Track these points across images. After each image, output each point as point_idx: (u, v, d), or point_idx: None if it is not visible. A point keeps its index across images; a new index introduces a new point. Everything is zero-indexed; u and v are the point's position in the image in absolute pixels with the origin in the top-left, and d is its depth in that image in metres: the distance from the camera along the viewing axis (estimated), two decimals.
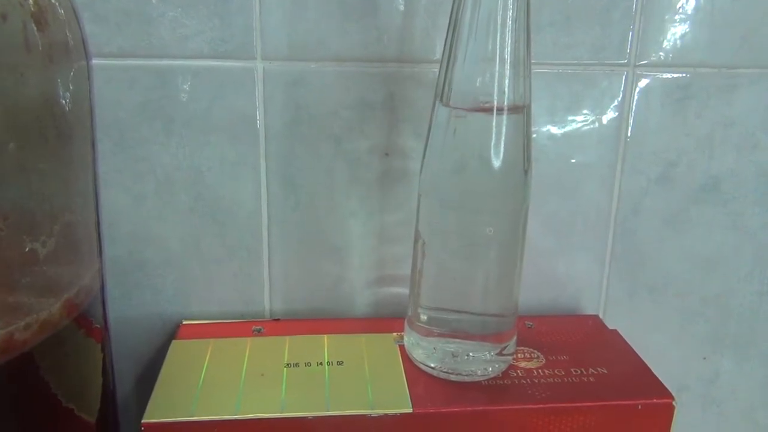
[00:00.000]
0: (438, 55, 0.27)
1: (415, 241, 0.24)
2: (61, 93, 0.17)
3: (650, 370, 0.26)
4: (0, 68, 0.15)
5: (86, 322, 0.19)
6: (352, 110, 0.28)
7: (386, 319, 0.29)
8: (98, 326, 0.20)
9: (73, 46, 0.18)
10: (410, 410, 0.23)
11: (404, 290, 0.30)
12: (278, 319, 0.30)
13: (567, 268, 0.31)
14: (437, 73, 0.23)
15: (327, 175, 0.28)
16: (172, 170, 0.28)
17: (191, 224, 0.28)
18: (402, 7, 0.27)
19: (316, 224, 0.29)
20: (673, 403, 0.24)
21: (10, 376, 0.17)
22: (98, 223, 0.21)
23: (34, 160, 0.16)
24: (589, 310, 0.31)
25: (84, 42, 0.19)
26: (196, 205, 0.28)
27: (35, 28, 0.16)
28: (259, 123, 0.27)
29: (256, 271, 0.29)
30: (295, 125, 0.28)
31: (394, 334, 0.28)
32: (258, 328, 0.28)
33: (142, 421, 0.22)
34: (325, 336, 0.27)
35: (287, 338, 0.27)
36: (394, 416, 0.23)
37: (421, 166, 0.24)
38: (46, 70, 0.16)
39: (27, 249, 0.16)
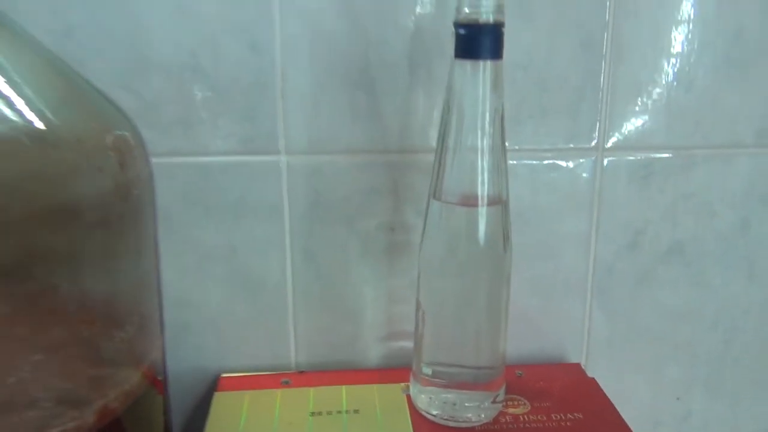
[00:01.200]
0: (432, 145, 0.32)
1: (417, 309, 0.29)
2: (138, 209, 0.22)
3: (619, 415, 0.30)
4: (93, 204, 0.20)
5: (156, 381, 0.24)
6: (362, 194, 0.32)
7: (395, 370, 0.34)
8: (160, 379, 0.25)
9: (142, 167, 0.23)
10: None
11: (410, 344, 0.34)
12: (303, 371, 0.34)
13: (551, 322, 0.35)
14: (431, 167, 0.28)
15: (342, 248, 0.33)
16: (210, 247, 0.33)
17: (227, 292, 0.33)
18: (402, 108, 0.32)
19: (334, 290, 0.34)
20: None
21: None
22: (161, 302, 0.25)
23: (118, 263, 0.21)
24: (573, 358, 0.36)
25: (148, 157, 0.23)
26: (231, 276, 0.33)
27: (120, 169, 0.21)
28: (284, 207, 0.32)
29: (283, 330, 0.34)
30: (314, 208, 0.33)
31: (402, 384, 0.32)
32: (286, 380, 0.33)
33: None
34: (343, 387, 0.32)
35: (311, 389, 0.32)
36: None
37: (420, 247, 0.28)
38: (127, 195, 0.21)
39: (116, 337, 0.21)
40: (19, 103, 0.19)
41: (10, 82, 0.19)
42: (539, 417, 0.30)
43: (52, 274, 0.19)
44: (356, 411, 0.30)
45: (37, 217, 0.18)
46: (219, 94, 0.31)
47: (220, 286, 0.33)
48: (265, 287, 0.33)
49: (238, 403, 0.31)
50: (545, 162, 0.33)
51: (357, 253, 0.33)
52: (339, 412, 0.30)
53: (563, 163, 0.33)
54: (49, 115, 0.19)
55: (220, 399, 0.31)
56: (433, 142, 0.32)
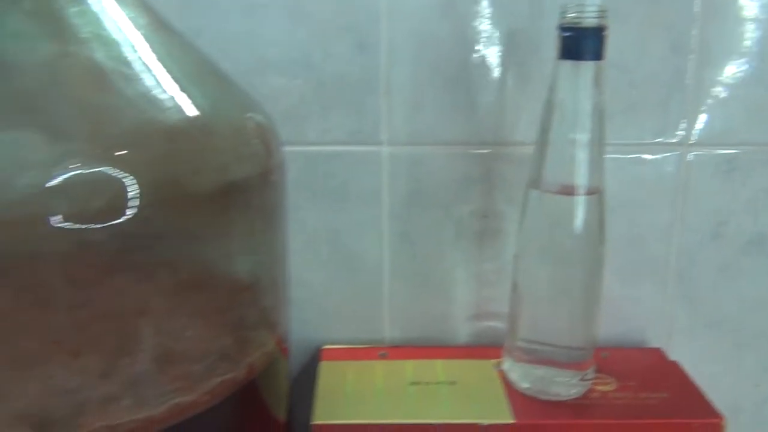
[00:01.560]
0: (522, 139, 0.34)
1: (513, 290, 0.31)
2: (277, 192, 0.25)
3: (704, 395, 0.32)
4: (244, 187, 0.23)
5: (283, 348, 0.27)
6: (457, 183, 0.35)
7: (484, 348, 0.36)
8: (286, 347, 0.28)
9: (279, 153, 0.25)
10: (513, 421, 0.30)
11: (497, 324, 0.37)
12: (397, 346, 0.37)
13: (634, 308, 0.37)
14: (526, 156, 0.30)
15: (437, 233, 0.36)
16: (315, 230, 0.36)
17: (329, 271, 0.36)
18: (495, 104, 0.34)
19: (427, 271, 0.36)
20: (723, 423, 0.30)
21: (246, 397, 0.24)
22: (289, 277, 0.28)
23: (261, 241, 0.24)
24: (654, 343, 0.37)
25: (281, 145, 0.26)
26: (334, 257, 0.36)
27: (265, 155, 0.24)
28: (384, 194, 0.35)
29: (379, 307, 0.37)
30: (412, 195, 0.35)
31: (493, 360, 0.34)
32: (383, 353, 0.36)
33: (313, 422, 0.30)
34: (438, 361, 0.35)
35: (407, 362, 0.35)
36: (500, 426, 0.30)
37: (518, 232, 0.31)
38: (270, 179, 0.24)
39: (258, 305, 0.24)
40: (184, 98, 0.22)
41: (175, 79, 0.22)
42: (626, 394, 0.31)
43: (209, 249, 0.22)
44: (453, 383, 0.33)
45: (199, 199, 0.21)
46: (328, 90, 0.34)
47: (323, 266, 0.36)
48: (363, 267, 0.36)
49: (341, 372, 0.34)
50: (632, 155, 0.35)
51: (451, 238, 0.36)
52: (437, 383, 0.33)
53: (649, 157, 0.35)
54: (208, 108, 0.22)
55: (325, 368, 0.34)
56: (524, 136, 0.34)
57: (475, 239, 0.36)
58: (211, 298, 0.22)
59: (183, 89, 0.22)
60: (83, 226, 0.18)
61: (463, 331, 0.37)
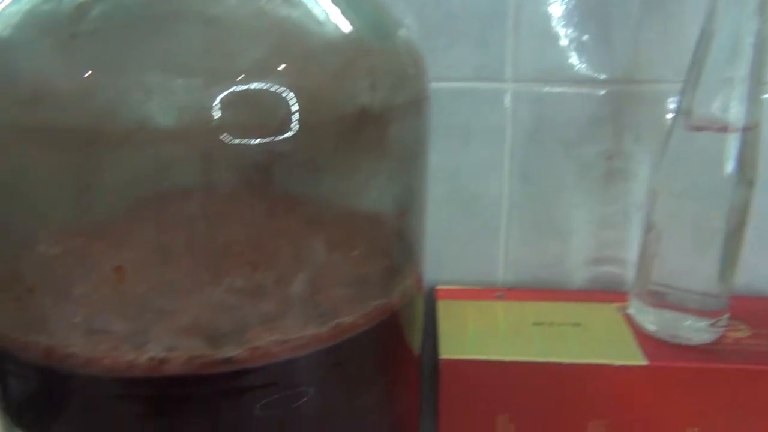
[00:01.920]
0: (658, 76, 0.33)
1: (648, 230, 0.30)
2: (426, 125, 0.24)
3: None
4: (401, 113, 0.22)
5: (420, 286, 0.27)
6: (583, 122, 0.34)
7: (602, 292, 0.36)
8: (422, 283, 0.28)
9: (427, 85, 0.25)
10: (645, 363, 0.29)
11: (615, 269, 0.36)
12: (513, 288, 0.37)
13: (764, 256, 0.35)
14: (660, 94, 0.29)
15: (558, 173, 0.35)
16: (436, 168, 0.35)
17: (447, 211, 0.36)
18: (630, 40, 0.32)
19: (546, 212, 0.36)
20: None
21: (384, 332, 0.24)
22: None
23: (414, 171, 0.24)
24: None
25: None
26: (453, 195, 0.36)
27: (420, 82, 0.23)
28: (507, 132, 0.34)
29: (495, 248, 0.36)
30: (535, 133, 0.34)
31: (615, 304, 0.34)
32: (500, 294, 0.35)
33: (440, 357, 0.30)
34: (557, 303, 0.34)
35: (526, 303, 0.34)
36: (632, 367, 0.29)
37: (659, 169, 0.29)
38: (422, 110, 0.24)
39: (404, 240, 0.24)
40: (333, 18, 0.21)
41: (338, 5, 0.21)
42: (760, 341, 0.30)
43: (365, 174, 0.21)
44: (577, 324, 0.32)
45: (358, 121, 0.20)
46: (455, 25, 0.33)
47: (441, 205, 0.36)
48: (481, 207, 0.36)
49: (461, 311, 0.34)
50: None
51: (573, 178, 0.35)
52: (560, 324, 0.32)
53: None
54: (360, 29, 0.22)
55: (444, 306, 0.34)
56: (660, 74, 0.33)
57: (598, 181, 0.35)
58: (368, 225, 0.22)
59: (342, 11, 0.21)
60: (249, 141, 0.18)
61: (578, 276, 0.37)
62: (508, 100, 0.34)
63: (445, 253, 0.37)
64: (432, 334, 0.32)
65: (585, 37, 0.32)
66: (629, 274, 0.36)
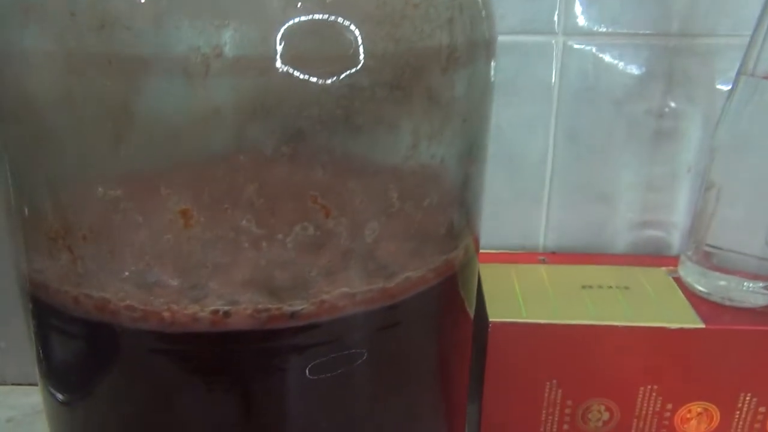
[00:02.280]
0: (713, 29, 0.31)
1: (708, 189, 0.29)
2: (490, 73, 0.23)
3: None
4: (473, 54, 0.21)
5: (477, 248, 0.25)
6: (634, 78, 0.32)
7: (648, 256, 0.34)
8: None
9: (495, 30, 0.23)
10: (702, 326, 0.28)
11: (661, 233, 0.35)
12: (554, 252, 0.35)
13: None
14: (715, 49, 0.28)
15: (606, 132, 0.34)
16: None
17: (488, 171, 0.35)
18: None
19: (592, 173, 0.34)
20: None
21: (444, 291, 0.23)
22: None
23: (480, 125, 0.22)
24: None
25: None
26: (494, 155, 0.34)
27: (489, 25, 0.22)
28: (555, 88, 0.33)
29: (537, 211, 0.35)
30: (583, 90, 0.33)
31: (664, 268, 0.33)
32: (542, 258, 0.34)
33: (490, 320, 0.29)
34: (605, 266, 0.33)
35: (573, 267, 0.33)
36: (690, 330, 0.28)
37: (719, 124, 0.28)
38: (491, 56, 0.22)
39: (465, 205, 0.22)
40: None
41: None
42: None
43: (437, 120, 0.20)
44: (626, 287, 0.31)
45: (415, 55, 0.19)
46: None
47: None
48: (524, 167, 0.34)
49: (505, 274, 0.33)
50: None
51: (621, 138, 0.33)
52: (609, 287, 0.31)
53: None
54: None
55: (487, 270, 0.33)
56: (715, 27, 0.31)
57: (647, 140, 0.34)
58: (437, 175, 0.21)
59: None
60: (327, 77, 0.16)
61: (622, 240, 0.36)
62: (557, 54, 0.32)
63: (484, 216, 0.36)
64: (477, 298, 0.31)
65: None
66: (675, 238, 0.35)
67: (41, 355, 0.22)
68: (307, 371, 0.19)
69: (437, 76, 0.19)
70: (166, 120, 0.16)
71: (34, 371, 0.43)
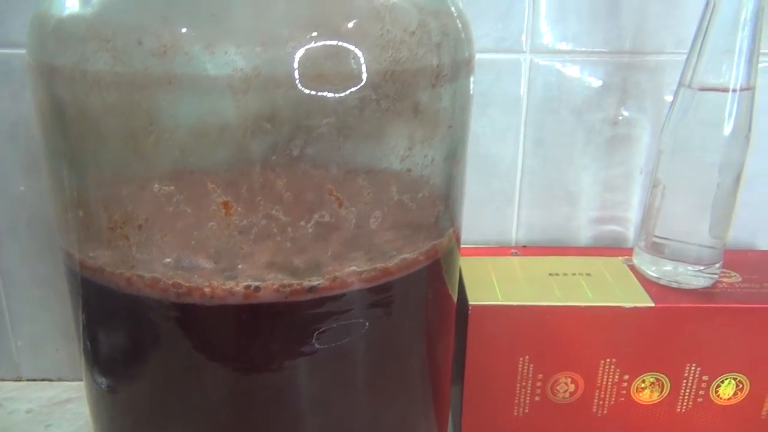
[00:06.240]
0: (661, 47, 0.36)
1: (654, 186, 0.34)
2: (469, 87, 0.27)
3: None
4: (449, 74, 0.25)
5: (458, 240, 0.29)
6: (592, 90, 0.37)
7: (607, 248, 0.39)
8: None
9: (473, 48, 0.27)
10: (652, 304, 0.33)
11: (618, 228, 0.40)
12: (525, 246, 0.40)
13: (749, 212, 0.39)
14: (663, 64, 0.32)
15: (569, 138, 0.38)
16: None
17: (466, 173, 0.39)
18: (639, 12, 0.35)
19: (557, 175, 0.39)
20: None
21: (431, 273, 0.27)
22: None
23: (461, 132, 0.26)
24: (764, 247, 0.40)
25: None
26: (471, 160, 0.38)
27: (466, 44, 0.26)
28: (522, 100, 0.37)
29: (509, 209, 0.39)
30: (548, 101, 0.37)
31: (620, 257, 0.37)
32: (515, 251, 0.38)
33: (470, 303, 0.33)
34: (568, 257, 0.37)
35: (541, 258, 0.37)
36: (642, 308, 0.32)
37: (665, 128, 0.33)
38: (470, 71, 0.26)
39: (448, 200, 0.26)
40: None
41: None
42: (752, 285, 0.34)
43: (429, 128, 0.24)
44: (588, 274, 0.35)
45: (418, 80, 0.23)
46: (478, 1, 0.35)
47: None
48: (497, 170, 0.39)
49: (482, 265, 0.37)
50: (764, 64, 0.36)
51: (581, 143, 0.38)
52: (573, 274, 0.35)
53: None
54: None
55: (466, 262, 0.37)
56: (663, 45, 0.36)
57: (604, 145, 0.38)
58: (428, 173, 0.25)
59: None
60: (342, 90, 0.20)
61: (585, 234, 0.40)
62: (525, 70, 0.37)
63: (466, 214, 0.39)
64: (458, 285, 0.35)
65: (595, 13, 0.36)
66: (630, 232, 0.40)
67: (88, 345, 0.25)
68: (319, 339, 0.23)
69: (429, 90, 0.23)
70: (211, 128, 0.20)
71: (49, 367, 0.46)
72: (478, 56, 0.37)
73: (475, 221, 0.40)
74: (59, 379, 0.42)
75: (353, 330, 0.24)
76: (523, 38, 0.36)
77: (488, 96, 0.37)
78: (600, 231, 0.40)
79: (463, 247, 0.39)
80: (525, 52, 0.36)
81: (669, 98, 0.37)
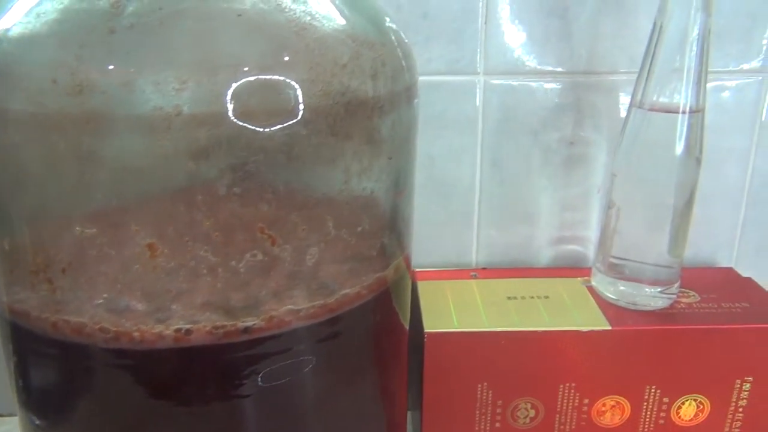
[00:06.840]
0: (614, 68, 0.36)
1: (609, 208, 0.33)
2: (415, 115, 0.26)
3: None
4: (388, 105, 0.24)
5: (409, 266, 0.29)
6: (547, 110, 0.37)
7: (566, 269, 0.39)
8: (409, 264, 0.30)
9: (416, 76, 0.27)
10: (609, 327, 0.32)
11: (578, 247, 0.39)
12: (485, 268, 0.39)
13: (707, 230, 0.39)
14: (616, 84, 0.32)
15: (525, 159, 0.38)
16: None
17: (423, 196, 0.38)
18: (590, 34, 0.35)
19: (515, 196, 0.38)
20: None
21: (379, 305, 0.26)
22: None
23: (405, 161, 0.26)
24: (723, 263, 0.40)
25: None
26: (428, 182, 0.38)
27: (408, 73, 0.25)
28: (478, 121, 0.37)
29: (468, 231, 0.39)
30: (504, 122, 0.37)
31: (579, 278, 0.37)
32: (474, 274, 0.38)
33: (426, 330, 0.32)
34: (528, 279, 0.37)
35: (499, 281, 0.37)
36: (598, 332, 0.32)
37: (617, 151, 0.32)
38: (411, 99, 0.26)
39: (395, 229, 0.26)
40: (338, 14, 0.23)
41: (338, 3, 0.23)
42: (710, 305, 0.34)
43: (366, 159, 0.23)
44: (546, 297, 0.35)
45: (357, 109, 0.22)
46: (431, 22, 0.35)
47: (417, 192, 0.38)
48: (455, 193, 0.38)
49: (440, 290, 0.36)
50: (715, 83, 0.36)
51: (538, 163, 0.38)
52: (531, 297, 0.35)
53: (731, 83, 0.36)
54: (361, 23, 0.24)
55: (424, 286, 0.36)
56: (615, 65, 0.36)
57: (561, 166, 0.38)
58: (369, 205, 0.24)
59: (343, 8, 0.23)
60: (270, 126, 0.20)
61: (545, 255, 0.40)
62: (479, 91, 0.36)
63: (423, 237, 0.39)
64: (414, 312, 0.35)
65: (548, 34, 0.35)
66: (590, 251, 0.39)
67: (20, 383, 0.24)
68: (259, 379, 0.22)
69: (365, 122, 0.22)
70: (133, 168, 0.19)
71: (4, 403, 0.44)
72: (432, 78, 0.37)
73: (435, 244, 0.39)
74: (10, 415, 0.41)
75: (297, 367, 0.23)
76: (477, 59, 0.36)
77: (443, 118, 0.37)
78: (560, 251, 0.40)
79: (422, 271, 0.39)
80: (479, 73, 0.36)
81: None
